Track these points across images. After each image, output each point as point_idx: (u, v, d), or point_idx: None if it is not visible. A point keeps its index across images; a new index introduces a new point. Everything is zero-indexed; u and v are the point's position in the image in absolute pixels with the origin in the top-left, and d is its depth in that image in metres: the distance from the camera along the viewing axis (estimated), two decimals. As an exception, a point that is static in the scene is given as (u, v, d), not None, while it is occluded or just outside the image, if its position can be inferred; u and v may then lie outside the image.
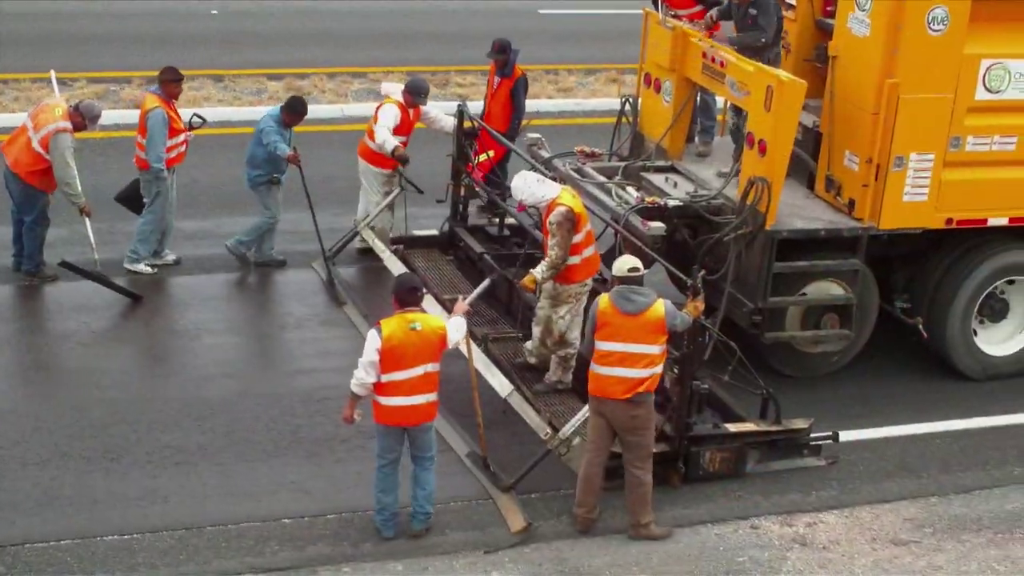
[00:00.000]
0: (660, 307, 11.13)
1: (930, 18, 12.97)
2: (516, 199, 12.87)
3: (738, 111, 14.15)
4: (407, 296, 10.99)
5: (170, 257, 15.83)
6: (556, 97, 22.86)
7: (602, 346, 11.20)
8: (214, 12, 26.63)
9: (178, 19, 25.93)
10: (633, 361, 11.08)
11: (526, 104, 17.26)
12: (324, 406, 13.05)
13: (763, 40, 13.77)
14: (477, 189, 15.92)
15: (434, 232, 16.18)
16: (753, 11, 13.93)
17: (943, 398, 14.15)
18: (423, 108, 16.17)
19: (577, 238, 12.52)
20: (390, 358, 10.78)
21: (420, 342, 10.84)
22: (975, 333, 14.41)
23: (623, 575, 10.99)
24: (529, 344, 13.37)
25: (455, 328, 11.17)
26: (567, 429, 11.86)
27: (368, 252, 16.05)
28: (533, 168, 13.85)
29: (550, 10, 28.51)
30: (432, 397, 11.03)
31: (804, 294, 13.60)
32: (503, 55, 16.70)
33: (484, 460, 12.11)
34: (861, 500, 12.30)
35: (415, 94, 15.99)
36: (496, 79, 16.97)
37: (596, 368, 11.27)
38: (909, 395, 14.22)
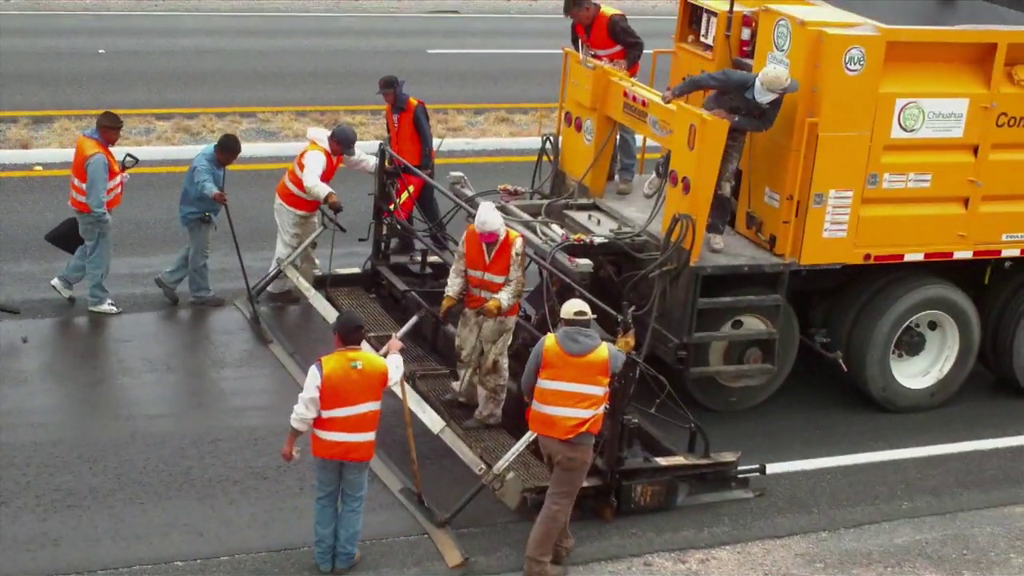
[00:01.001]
0: (604, 350, 11.25)
1: (847, 58, 13.26)
2: (490, 229, 12.73)
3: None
4: (350, 335, 11.03)
5: (67, 294, 15.74)
6: (446, 136, 22.83)
7: (545, 385, 11.29)
8: (101, 51, 26.26)
9: (65, 58, 25.53)
10: (575, 401, 11.18)
11: (430, 131, 17.40)
12: (216, 447, 13.00)
13: (763, 130, 13.62)
14: (397, 227, 15.98)
15: (357, 270, 16.22)
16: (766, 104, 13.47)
17: (831, 434, 14.30)
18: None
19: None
20: (331, 395, 10.82)
21: (361, 380, 10.88)
22: (891, 367, 14.72)
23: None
24: (456, 384, 13.50)
25: (395, 367, 11.22)
26: (501, 464, 11.93)
27: (284, 295, 16.17)
28: (456, 206, 14.03)
29: (438, 50, 28.63)
30: (370, 436, 11.07)
31: (739, 324, 13.81)
32: (391, 88, 16.90)
33: (418, 496, 12.15)
34: (753, 536, 12.38)
35: (344, 144, 16.04)
36: (395, 116, 17.07)
37: (538, 407, 11.36)
38: (798, 430, 14.35)
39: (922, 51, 13.76)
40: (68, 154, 19.77)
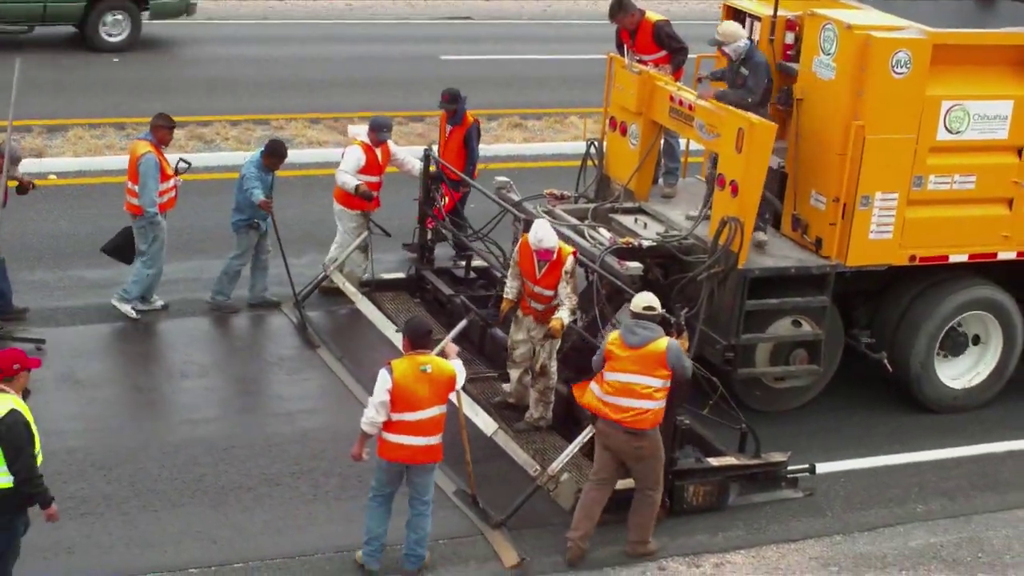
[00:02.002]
0: (662, 343, 11.45)
1: (894, 61, 13.37)
2: (547, 247, 12.99)
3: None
4: (420, 339, 11.14)
5: (159, 303, 15.81)
6: None
7: (609, 377, 11.54)
8: (116, 60, 26.16)
9: (79, 67, 25.41)
10: (633, 392, 11.40)
11: (479, 150, 17.40)
12: (230, 454, 13.00)
13: (750, 100, 13.86)
14: (444, 232, 16.12)
15: (401, 275, 16.36)
16: (745, 71, 14.01)
17: (845, 437, 14.26)
18: (392, 149, 16.32)
19: None
20: (400, 399, 10.92)
21: (430, 384, 10.99)
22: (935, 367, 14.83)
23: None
24: (507, 385, 13.65)
25: (461, 372, 11.34)
26: (555, 465, 12.08)
27: (334, 291, 16.14)
28: (503, 210, 14.21)
29: (451, 56, 28.59)
30: (437, 439, 11.16)
31: (799, 324, 13.94)
32: (453, 104, 16.93)
33: (473, 497, 12.27)
34: (767, 540, 12.38)
35: (377, 130, 16.16)
36: (448, 127, 17.16)
37: (603, 396, 11.56)
38: (812, 434, 14.29)
39: (967, 54, 13.87)
40: (81, 163, 20.41)
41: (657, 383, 11.44)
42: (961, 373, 15.01)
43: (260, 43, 28.83)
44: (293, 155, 20.22)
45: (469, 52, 29.24)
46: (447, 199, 16.32)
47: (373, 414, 11.01)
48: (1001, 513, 13.17)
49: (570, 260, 13.03)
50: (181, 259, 16.78)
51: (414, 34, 30.97)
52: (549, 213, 14.78)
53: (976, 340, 14.91)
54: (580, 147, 19.14)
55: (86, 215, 18.39)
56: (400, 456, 11.10)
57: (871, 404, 14.93)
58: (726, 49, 14.07)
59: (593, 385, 11.70)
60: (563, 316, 12.97)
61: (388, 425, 11.04)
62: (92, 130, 21.71)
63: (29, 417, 10.05)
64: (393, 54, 28.47)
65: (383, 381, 10.95)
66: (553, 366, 13.32)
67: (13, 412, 9.94)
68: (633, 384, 11.41)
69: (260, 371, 14.93)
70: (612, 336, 11.62)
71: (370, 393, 11.14)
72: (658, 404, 11.48)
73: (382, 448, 11.16)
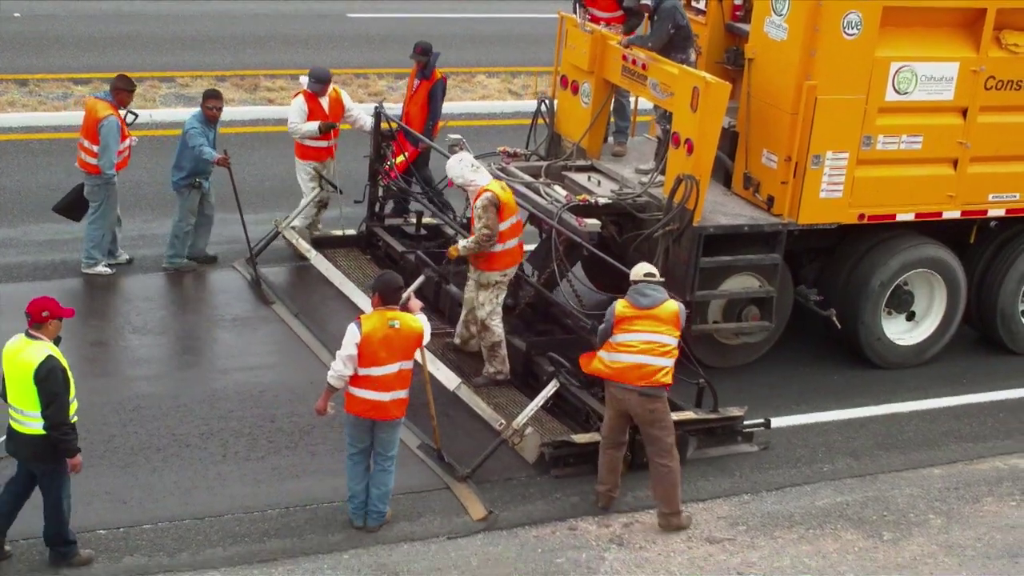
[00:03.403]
0: (673, 304, 11.73)
1: (845, 22, 13.60)
2: (448, 176, 13.48)
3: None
4: (391, 295, 11.20)
5: (123, 256, 15.83)
6: (367, 101, 22.31)
7: (620, 338, 11.63)
8: (17, 15, 25.82)
9: None
10: (650, 349, 11.57)
11: (442, 107, 17.41)
12: (137, 415, 12.82)
13: (648, 46, 14.22)
14: (394, 189, 16.17)
15: (352, 232, 16.41)
16: (655, 19, 14.37)
17: (752, 398, 13.98)
18: (347, 104, 16.35)
19: (501, 227, 13.12)
20: (368, 353, 10.99)
21: (398, 339, 11.08)
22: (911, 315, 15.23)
23: (443, 579, 11.09)
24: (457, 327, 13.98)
25: (427, 327, 11.43)
26: (520, 419, 12.23)
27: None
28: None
29: (358, 14, 28.38)
30: (403, 394, 11.26)
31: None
32: (425, 57, 16.94)
33: (438, 452, 12.39)
34: None
35: (313, 79, 16.19)
36: (416, 81, 17.19)
37: (615, 356, 11.64)
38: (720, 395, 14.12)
39: (916, 16, 14.11)
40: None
41: (672, 341, 11.66)
42: (906, 330, 15.31)
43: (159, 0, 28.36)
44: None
45: (376, 10, 28.90)
46: (407, 154, 16.37)
47: (341, 367, 11.07)
48: (906, 472, 13.33)
49: (482, 197, 13.09)
50: (128, 217, 16.73)
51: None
52: (503, 170, 14.88)
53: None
54: (488, 106, 19.15)
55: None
56: (366, 410, 11.18)
57: (779, 364, 14.97)
58: (643, 2, 14.36)
59: (602, 352, 11.75)
60: (460, 244, 13.31)
61: (355, 380, 11.10)
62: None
63: (64, 364, 10.14)
64: (300, 11, 28.19)
65: (351, 335, 11.01)
66: (493, 321, 13.43)
67: (50, 358, 10.07)
68: (652, 342, 11.57)
69: (211, 328, 14.90)
70: (619, 305, 11.71)
71: (328, 348, 11.14)
72: (672, 362, 11.69)
73: (349, 403, 11.24)
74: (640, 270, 11.86)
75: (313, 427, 12.76)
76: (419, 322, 11.30)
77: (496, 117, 20.90)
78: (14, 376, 10.19)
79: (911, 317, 15.31)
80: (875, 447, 13.74)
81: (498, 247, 13.23)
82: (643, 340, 11.56)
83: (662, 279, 11.94)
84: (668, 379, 11.68)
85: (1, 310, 14.39)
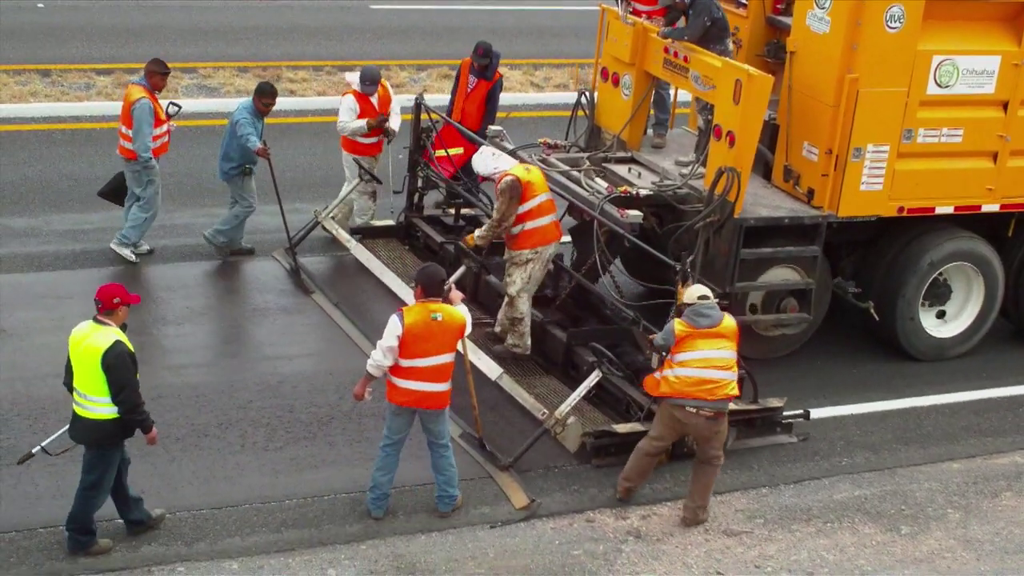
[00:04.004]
0: (731, 319, 11.85)
1: (888, 16, 13.63)
2: (476, 171, 13.94)
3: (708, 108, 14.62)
4: (433, 287, 11.27)
5: (144, 247, 15.88)
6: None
7: (683, 356, 11.67)
8: (40, 5, 25.83)
9: (3, 12, 24.89)
10: (719, 364, 11.66)
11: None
12: (160, 404, 12.49)
13: (685, 37, 14.31)
14: (436, 181, 16.25)
15: (391, 223, 16.50)
16: (691, 12, 14.43)
17: (771, 391, 13.68)
18: (391, 104, 16.45)
19: (525, 207, 13.38)
20: (411, 345, 11.07)
21: (441, 332, 11.16)
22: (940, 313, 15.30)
23: (459, 570, 11.06)
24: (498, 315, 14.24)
25: (469, 319, 11.50)
26: (563, 408, 12.32)
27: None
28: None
29: (381, 5, 28.36)
30: (446, 386, 11.33)
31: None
32: (487, 59, 17.05)
33: (480, 440, 12.49)
34: None
35: (362, 80, 16.31)
36: (472, 79, 17.25)
37: (681, 372, 11.67)
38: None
39: (958, 9, 14.13)
40: (7, 110, 20.09)
41: (734, 356, 11.78)
42: (944, 322, 15.35)
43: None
44: (220, 103, 19.94)
45: (400, 2, 28.88)
46: (462, 150, 16.47)
47: (380, 357, 11.15)
48: (924, 466, 13.34)
49: (503, 181, 13.36)
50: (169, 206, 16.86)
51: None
52: (544, 162, 14.96)
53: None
54: (510, 98, 19.24)
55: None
56: (408, 401, 11.27)
57: (797, 357, 14.96)
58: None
59: (667, 372, 11.75)
60: (476, 232, 13.73)
61: (399, 371, 11.18)
62: (15, 76, 21.54)
63: (131, 348, 10.30)
64: (322, 3, 28.19)
65: (393, 327, 11.09)
66: (521, 298, 13.65)
67: (118, 343, 10.22)
68: (716, 358, 11.65)
69: (250, 317, 14.96)
70: (678, 325, 11.72)
71: (369, 338, 11.16)
72: (736, 376, 11.82)
73: (391, 392, 11.32)
74: (694, 293, 11.88)
75: (332, 418, 12.87)
76: (461, 314, 11.37)
77: (518, 109, 20.92)
78: (81, 361, 10.32)
79: (941, 315, 15.36)
80: (894, 441, 13.76)
81: (528, 225, 13.48)
82: (707, 357, 11.63)
83: (717, 300, 11.99)
84: (735, 391, 11.81)
85: (28, 299, 14.59)
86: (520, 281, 13.59)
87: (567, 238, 14.73)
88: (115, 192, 15.77)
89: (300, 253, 15.91)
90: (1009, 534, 12.27)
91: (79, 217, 16.66)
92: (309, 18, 26.76)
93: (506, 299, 13.79)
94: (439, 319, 11.15)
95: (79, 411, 10.45)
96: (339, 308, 14.91)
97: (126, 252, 15.56)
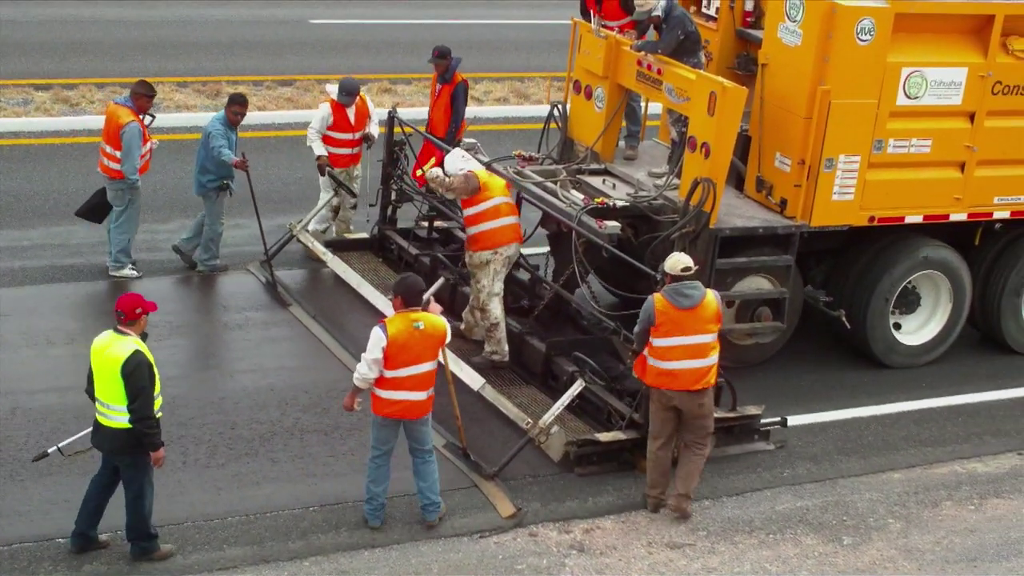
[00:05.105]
0: (712, 297, 11.93)
1: (858, 28, 13.85)
2: (445, 171, 14.18)
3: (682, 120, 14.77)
4: (413, 297, 11.35)
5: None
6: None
7: (663, 342, 11.83)
8: None
9: None
10: (699, 352, 11.81)
11: (465, 111, 17.57)
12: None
13: (659, 50, 14.48)
14: (412, 194, 16.32)
15: (364, 235, 16.58)
16: (665, 26, 14.60)
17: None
18: (370, 115, 16.56)
19: (480, 207, 13.81)
20: (396, 355, 11.15)
21: (423, 340, 11.26)
22: (896, 325, 15.45)
23: (403, 585, 11.07)
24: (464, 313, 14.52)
25: (449, 328, 11.59)
26: (547, 418, 12.44)
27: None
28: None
29: (321, 20, 28.31)
30: (430, 392, 11.45)
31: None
32: (444, 60, 17.13)
33: (464, 450, 12.58)
34: (636, 505, 12.38)
35: (341, 91, 16.39)
36: (438, 86, 17.38)
37: (660, 363, 11.86)
38: None
39: (927, 22, 14.38)
40: None
41: (713, 339, 11.91)
42: (913, 330, 15.59)
43: (125, 5, 28.01)
44: (161, 119, 19.49)
45: (338, 16, 28.82)
46: (434, 161, 16.56)
47: (365, 370, 11.22)
48: (865, 477, 13.39)
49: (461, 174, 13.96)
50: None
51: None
52: (519, 174, 15.08)
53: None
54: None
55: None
56: (395, 411, 11.35)
57: (739, 368, 14.54)
58: (654, 14, 14.56)
59: (652, 361, 11.91)
60: (430, 170, 14.30)
61: (383, 382, 11.25)
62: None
63: (151, 359, 10.37)
64: (261, 16, 28.10)
65: (377, 339, 11.15)
66: (492, 305, 13.87)
67: (137, 352, 10.30)
68: (697, 344, 11.80)
69: (222, 331, 14.97)
70: (658, 302, 11.86)
71: (352, 351, 11.18)
72: (716, 359, 11.95)
73: (376, 405, 11.39)
74: (677, 264, 11.97)
75: (274, 434, 12.82)
76: (443, 322, 11.48)
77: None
78: (102, 370, 10.42)
79: (897, 327, 15.55)
80: (835, 452, 13.81)
81: (484, 226, 13.85)
82: (691, 343, 11.79)
83: (697, 268, 12.10)
84: (714, 377, 12.00)
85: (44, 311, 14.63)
86: (487, 283, 13.80)
87: (545, 248, 14.82)
88: (93, 211, 15.78)
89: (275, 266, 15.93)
90: (950, 543, 12.36)
91: (18, 234, 16.57)
92: (249, 32, 26.66)
93: (479, 307, 13.94)
94: (421, 328, 11.24)
95: (101, 419, 10.54)
96: (317, 320, 14.97)
97: (127, 272, 15.67)
